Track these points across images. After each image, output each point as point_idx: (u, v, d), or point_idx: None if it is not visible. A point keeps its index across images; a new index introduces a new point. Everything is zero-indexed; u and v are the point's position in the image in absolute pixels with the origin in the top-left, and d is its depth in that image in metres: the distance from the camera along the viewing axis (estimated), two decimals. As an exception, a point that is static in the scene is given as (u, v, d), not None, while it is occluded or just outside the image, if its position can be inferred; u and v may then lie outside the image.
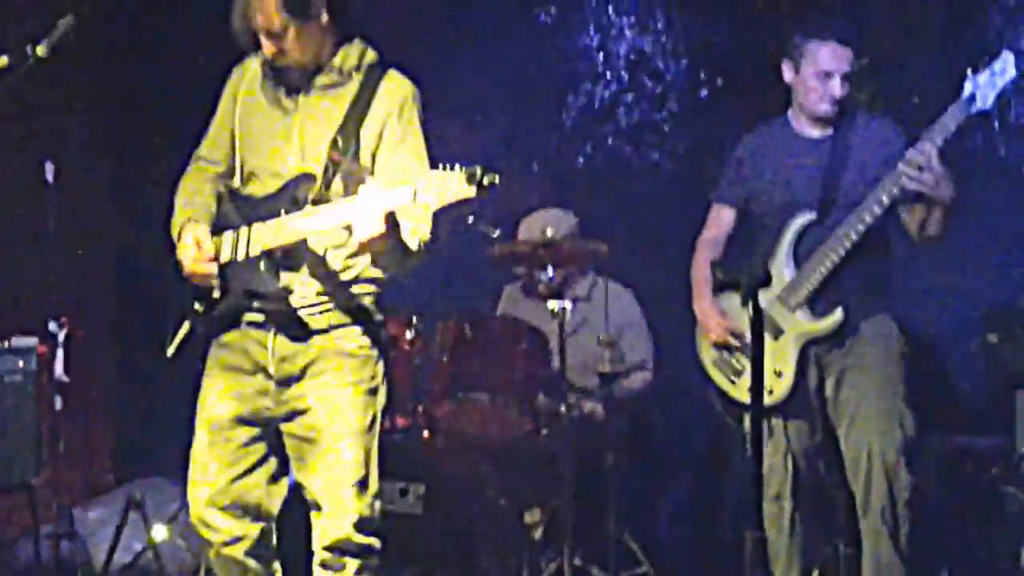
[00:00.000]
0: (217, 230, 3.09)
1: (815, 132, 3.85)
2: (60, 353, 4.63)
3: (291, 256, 3.00)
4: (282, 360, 3.05)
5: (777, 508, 3.80)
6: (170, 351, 3.11)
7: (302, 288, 3.02)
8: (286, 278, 3.00)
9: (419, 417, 4.48)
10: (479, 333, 4.43)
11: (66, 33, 3.04)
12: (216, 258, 3.02)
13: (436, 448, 4.47)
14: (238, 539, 3.11)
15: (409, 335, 4.48)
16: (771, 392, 3.74)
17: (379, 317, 3.11)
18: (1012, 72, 3.53)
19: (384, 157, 3.01)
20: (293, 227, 2.94)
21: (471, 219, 2.80)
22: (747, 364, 3.76)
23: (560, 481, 4.14)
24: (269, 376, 3.06)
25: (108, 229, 5.96)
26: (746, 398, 3.73)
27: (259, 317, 3.06)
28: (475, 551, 4.20)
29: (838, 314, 3.70)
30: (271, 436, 3.11)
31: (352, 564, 3.03)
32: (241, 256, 3.01)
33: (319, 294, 3.03)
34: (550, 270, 4.37)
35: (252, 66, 3.17)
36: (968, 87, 3.55)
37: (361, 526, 3.02)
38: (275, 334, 3.04)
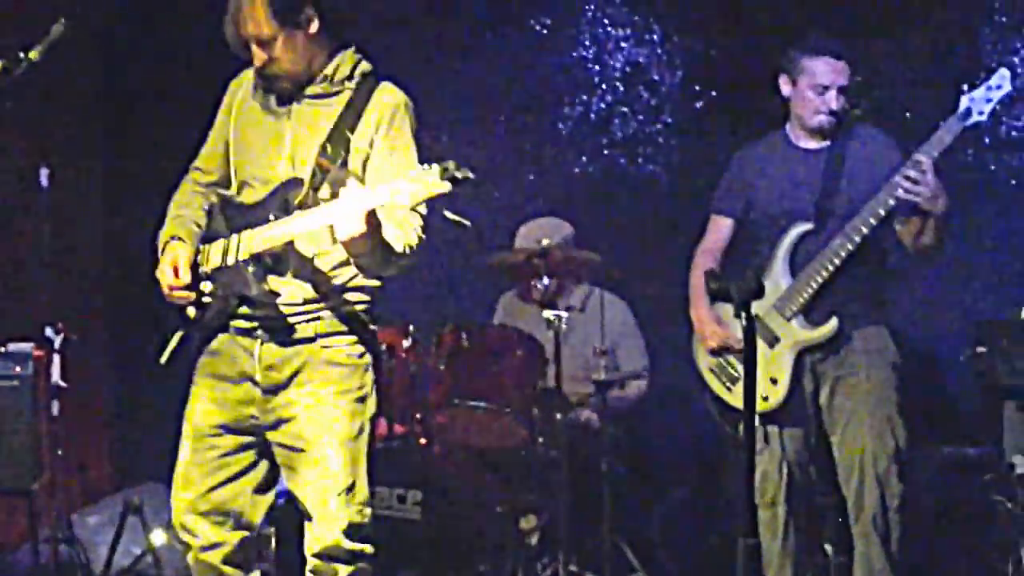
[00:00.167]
0: (209, 239, 3.12)
1: (812, 144, 3.90)
2: (57, 359, 4.61)
3: (278, 260, 3.02)
4: (268, 368, 3.05)
5: (771, 514, 3.84)
6: (163, 359, 3.12)
7: (289, 292, 3.02)
8: (273, 282, 3.01)
9: (416, 425, 4.49)
10: (476, 342, 4.45)
11: (59, 38, 3.04)
12: (193, 284, 3.04)
13: (433, 455, 4.48)
14: (217, 545, 3.10)
15: (406, 344, 4.48)
16: (767, 399, 3.80)
17: (372, 327, 3.12)
18: (1008, 87, 3.61)
19: (374, 165, 3.02)
20: (279, 230, 2.96)
21: (445, 212, 2.81)
22: (743, 371, 3.81)
23: (556, 488, 4.17)
24: (256, 384, 3.06)
25: (104, 235, 5.97)
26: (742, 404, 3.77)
27: (247, 324, 3.06)
28: (472, 556, 4.19)
29: (833, 323, 3.76)
30: (260, 445, 3.11)
31: (344, 571, 3.03)
32: (231, 262, 3.03)
33: (308, 300, 3.03)
34: (545, 279, 4.40)
35: (248, 78, 3.19)
36: (964, 102, 3.63)
37: (350, 533, 3.02)
38: (262, 342, 3.05)
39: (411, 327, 4.53)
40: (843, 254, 3.72)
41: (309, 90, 3.09)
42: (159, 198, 3.31)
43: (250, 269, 3.00)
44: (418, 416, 4.50)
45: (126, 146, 5.97)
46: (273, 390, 3.06)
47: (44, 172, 4.64)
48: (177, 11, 5.64)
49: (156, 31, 5.78)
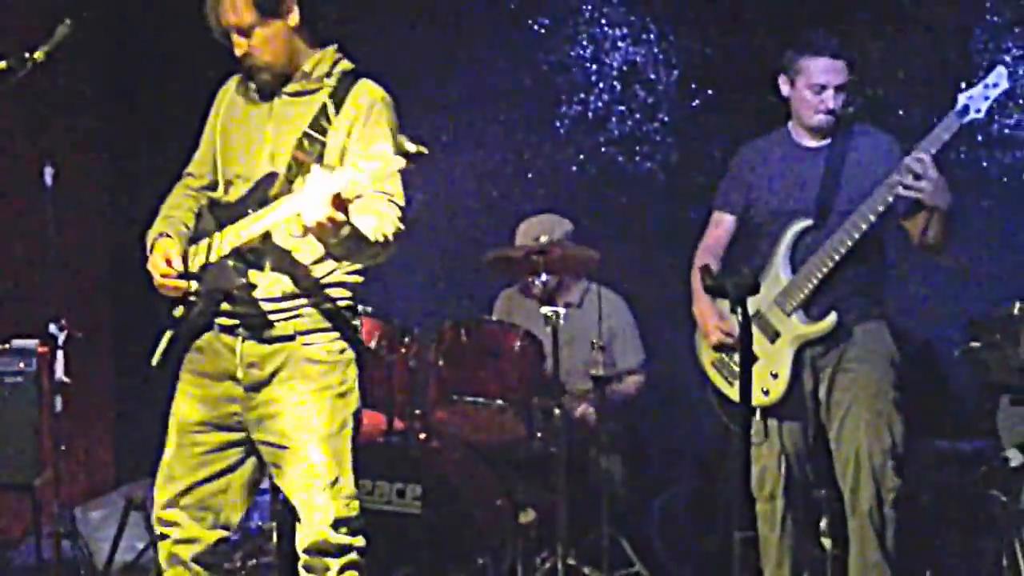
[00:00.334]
0: (197, 240, 3.11)
1: (813, 142, 3.88)
2: (60, 355, 4.58)
3: (257, 253, 3.00)
4: (250, 365, 3.04)
5: (770, 508, 3.82)
6: (155, 360, 3.11)
7: (268, 286, 3.01)
8: (254, 277, 3.00)
9: (416, 420, 4.47)
10: (475, 338, 4.42)
11: (64, 38, 3.03)
12: (185, 274, 3.03)
13: (433, 450, 4.45)
14: (193, 540, 3.09)
15: (407, 340, 4.45)
16: (767, 393, 3.78)
17: (355, 322, 3.10)
18: (1005, 85, 3.61)
19: (351, 158, 2.98)
20: (254, 225, 2.95)
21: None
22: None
23: (554, 483, 4.14)
24: (238, 382, 3.05)
25: (107, 232, 5.94)
26: (744, 399, 3.75)
27: (229, 322, 3.05)
28: (471, 550, 4.15)
29: (832, 318, 3.74)
30: (247, 443, 3.10)
31: (334, 564, 3.02)
32: (213, 259, 3.02)
33: (289, 295, 3.01)
34: (544, 275, 4.36)
35: (234, 83, 3.20)
36: (962, 99, 3.62)
37: (338, 526, 3.01)
38: (244, 340, 3.03)
39: (411, 324, 4.50)
40: (842, 250, 3.70)
41: (289, 87, 3.08)
42: (163, 197, 3.30)
43: (231, 264, 2.99)
44: (418, 412, 4.48)
45: (130, 145, 5.97)
46: (255, 387, 3.04)
47: (48, 171, 4.62)
48: (181, 11, 5.61)
49: (160, 31, 5.76)
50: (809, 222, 3.80)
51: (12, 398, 4.55)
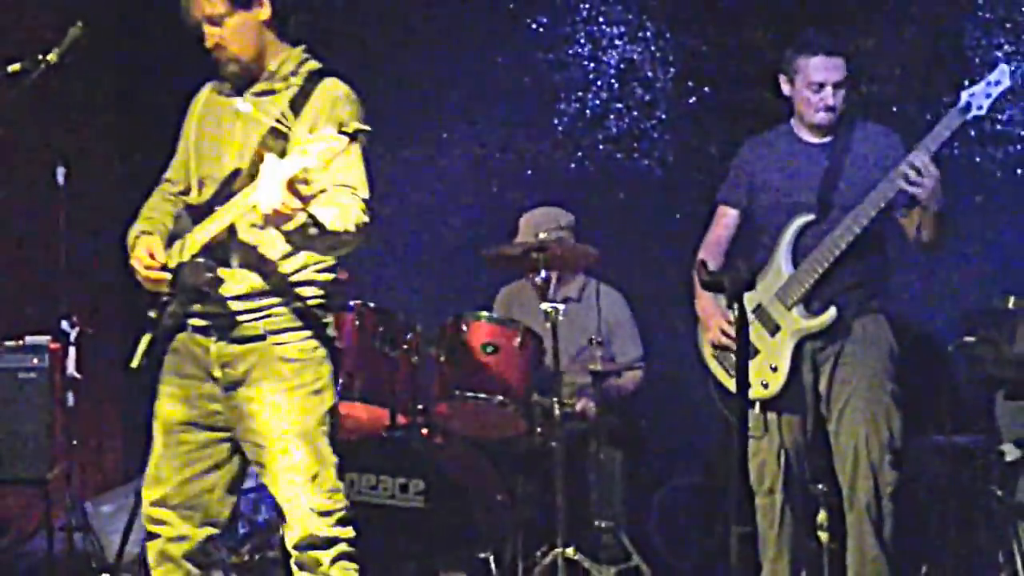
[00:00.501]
0: (172, 242, 3.07)
1: (815, 139, 3.83)
2: (72, 351, 4.54)
3: (224, 249, 2.97)
4: (224, 365, 3.00)
5: (769, 502, 3.75)
6: (134, 363, 3.05)
7: (238, 284, 2.97)
8: (222, 272, 2.96)
9: (419, 415, 4.41)
10: (476, 333, 4.34)
11: (76, 40, 3.03)
12: (166, 267, 3.00)
13: (436, 446, 4.40)
14: (183, 538, 3.06)
15: (408, 335, 4.38)
16: (766, 386, 3.72)
17: (326, 320, 3.05)
18: (1007, 83, 3.58)
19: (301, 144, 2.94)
20: (217, 220, 2.93)
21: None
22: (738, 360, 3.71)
23: (554, 477, 4.08)
24: (215, 381, 3.02)
25: (118, 230, 5.85)
26: (744, 392, 3.68)
27: (201, 322, 3.01)
28: (473, 544, 4.10)
29: (831, 312, 3.68)
30: (232, 440, 3.06)
31: (325, 556, 2.97)
32: (185, 257, 2.99)
33: (258, 292, 2.97)
34: (543, 272, 4.26)
35: (208, 89, 3.19)
36: (964, 96, 3.59)
37: (325, 519, 2.97)
38: (216, 340, 3.00)
39: (413, 319, 4.43)
40: (843, 245, 3.65)
41: (255, 87, 3.06)
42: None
43: (200, 261, 2.95)
44: (420, 407, 4.42)
45: (141, 146, 5.90)
46: (231, 387, 3.01)
47: (61, 171, 4.60)
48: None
49: (173, 34, 5.67)
50: (811, 217, 3.74)
51: (25, 393, 4.53)
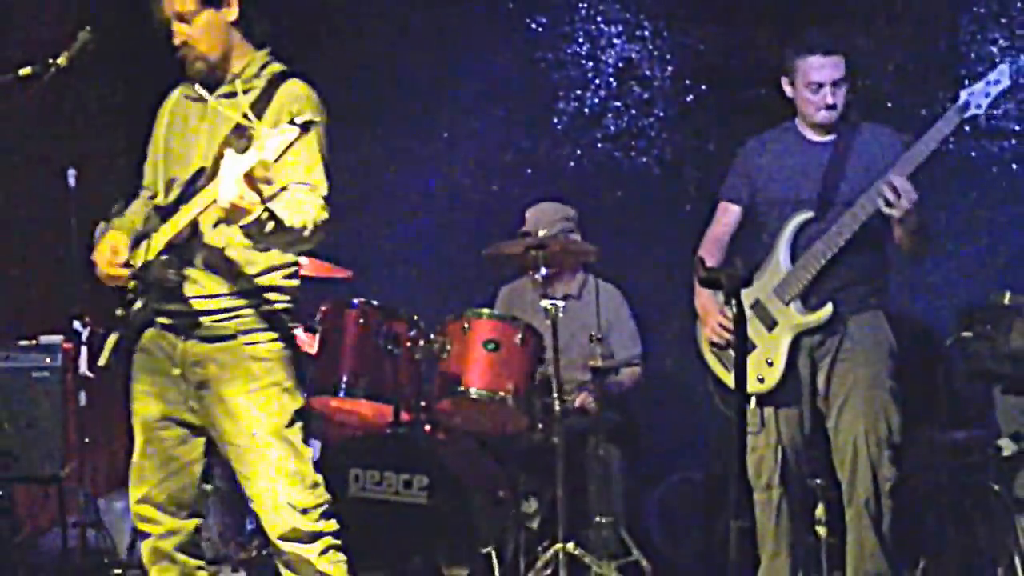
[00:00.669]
0: (139, 243, 3.04)
1: (818, 137, 3.75)
2: (84, 350, 4.48)
3: (189, 249, 2.94)
4: (193, 364, 2.97)
5: (767, 497, 3.68)
6: (102, 361, 3.03)
7: (207, 284, 2.94)
8: (187, 271, 2.93)
9: (422, 412, 4.34)
10: (477, 331, 4.24)
11: (86, 44, 3.03)
12: (129, 263, 2.97)
13: (439, 442, 4.34)
14: (173, 533, 3.03)
15: (411, 333, 4.30)
16: (763, 381, 3.65)
17: (291, 324, 3.03)
18: (1006, 82, 3.53)
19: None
20: (179, 217, 2.90)
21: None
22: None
23: (555, 473, 4.00)
24: (185, 380, 2.99)
25: (128, 232, 5.82)
26: (742, 386, 3.61)
27: (168, 321, 2.98)
28: (475, 539, 4.04)
29: (828, 308, 3.62)
30: (208, 437, 3.04)
31: (313, 550, 2.94)
32: (152, 255, 2.94)
33: (223, 294, 2.94)
34: (543, 269, 4.17)
35: (176, 94, 3.17)
36: (963, 95, 3.54)
37: (308, 514, 2.94)
38: (184, 338, 2.96)
39: (416, 317, 4.35)
40: (840, 242, 3.59)
41: (221, 89, 3.04)
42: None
43: (163, 259, 2.91)
44: (423, 404, 4.34)
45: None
46: (201, 386, 2.98)
47: (72, 173, 4.56)
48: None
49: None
50: (810, 214, 3.67)
51: (38, 392, 4.51)
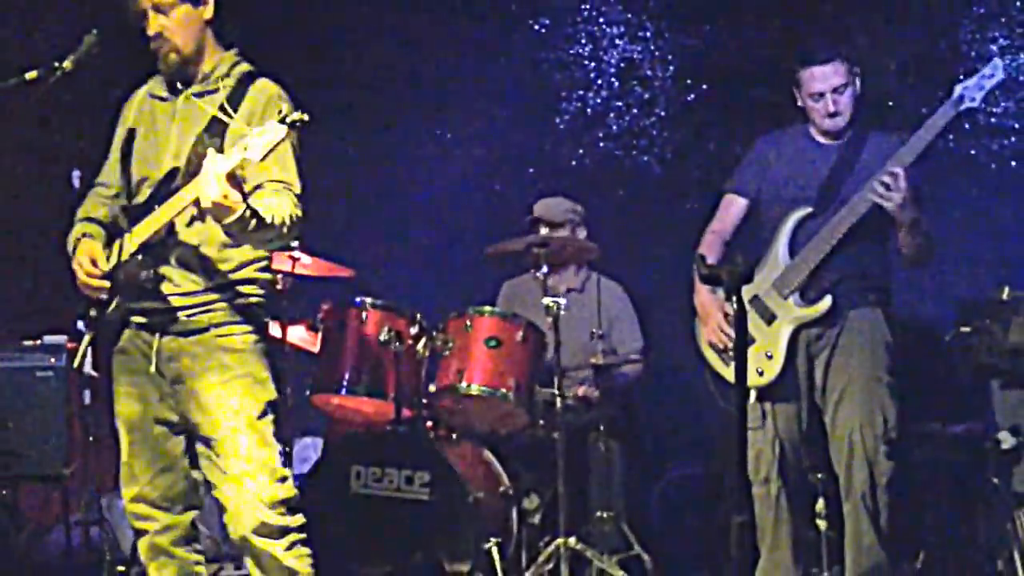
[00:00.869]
0: (110, 244, 3.07)
1: (828, 141, 3.82)
2: (89, 349, 4.54)
3: (163, 247, 2.97)
4: (169, 360, 3.00)
5: (765, 491, 3.72)
6: (76, 362, 3.09)
7: (181, 281, 2.98)
8: (161, 269, 2.97)
9: (423, 409, 4.37)
10: (479, 328, 4.28)
11: (91, 48, 3.06)
12: (108, 274, 2.99)
13: (440, 438, 4.36)
14: (170, 528, 3.07)
15: (413, 330, 4.34)
16: (762, 374, 3.69)
17: (266, 319, 3.08)
18: (1000, 76, 3.59)
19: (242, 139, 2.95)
20: (155, 216, 2.93)
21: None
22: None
23: (556, 469, 4.04)
24: (162, 376, 3.02)
25: (132, 232, 5.86)
26: (741, 380, 3.65)
27: (143, 319, 3.02)
28: (477, 535, 4.04)
29: (827, 301, 3.67)
30: (188, 433, 3.07)
31: (279, 545, 2.97)
32: (124, 257, 2.97)
33: (200, 290, 2.98)
34: (544, 267, 4.22)
35: (142, 92, 3.20)
36: (958, 89, 3.59)
37: (275, 508, 2.97)
38: (160, 335, 3.00)
39: (418, 314, 4.39)
40: (836, 238, 3.65)
41: (192, 89, 3.09)
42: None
43: (138, 259, 2.95)
44: (424, 401, 4.38)
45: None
46: (177, 381, 3.01)
47: (76, 175, 4.57)
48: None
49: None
50: (808, 210, 3.73)
51: (43, 392, 4.55)
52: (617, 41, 5.51)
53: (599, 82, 5.54)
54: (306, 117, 2.70)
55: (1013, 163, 4.97)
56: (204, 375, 2.97)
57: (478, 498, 4.04)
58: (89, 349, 4.55)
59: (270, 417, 3.01)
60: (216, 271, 2.99)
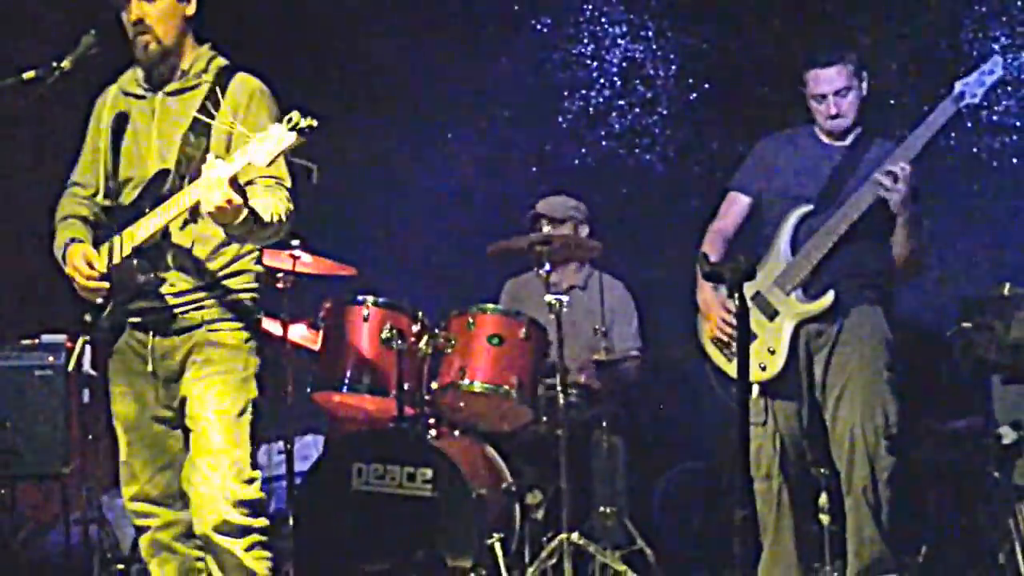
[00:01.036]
0: (97, 244, 3.10)
1: (833, 141, 3.90)
2: (88, 348, 4.57)
3: (158, 249, 3.00)
4: (163, 357, 3.06)
5: (767, 486, 3.78)
6: (71, 366, 3.13)
7: (174, 282, 3.02)
8: (157, 272, 3.01)
9: (426, 407, 4.42)
10: (482, 326, 4.35)
11: (89, 48, 3.06)
12: (106, 275, 3.02)
13: (443, 435, 4.40)
14: (171, 524, 3.12)
15: (415, 328, 4.40)
16: (764, 369, 3.75)
17: (258, 315, 3.12)
18: (1000, 72, 3.67)
19: (243, 142, 2.90)
20: (153, 220, 2.96)
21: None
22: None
23: (559, 465, 4.10)
24: (156, 375, 3.07)
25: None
26: (742, 376, 3.72)
27: (139, 319, 3.06)
28: (480, 531, 4.09)
29: (829, 296, 3.73)
30: (184, 429, 3.11)
31: (238, 545, 2.99)
32: (116, 260, 3.01)
33: (193, 289, 3.03)
34: (547, 265, 4.29)
35: (113, 90, 3.21)
36: (958, 85, 3.67)
37: (238, 508, 2.99)
38: (155, 335, 3.05)
39: (420, 312, 4.45)
40: (840, 232, 3.72)
41: (169, 87, 3.11)
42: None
43: (134, 263, 2.99)
44: (427, 398, 4.43)
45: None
46: (170, 378, 3.06)
47: None
48: (204, 19, 5.63)
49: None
50: (810, 207, 3.80)
51: (42, 391, 4.58)
52: (619, 40, 5.55)
53: (601, 81, 5.58)
54: (315, 123, 2.69)
55: (1014, 160, 5.03)
56: (190, 368, 3.02)
57: (481, 494, 4.07)
58: (88, 349, 4.67)
59: (248, 417, 3.03)
60: (208, 270, 3.04)
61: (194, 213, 2.90)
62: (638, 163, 5.56)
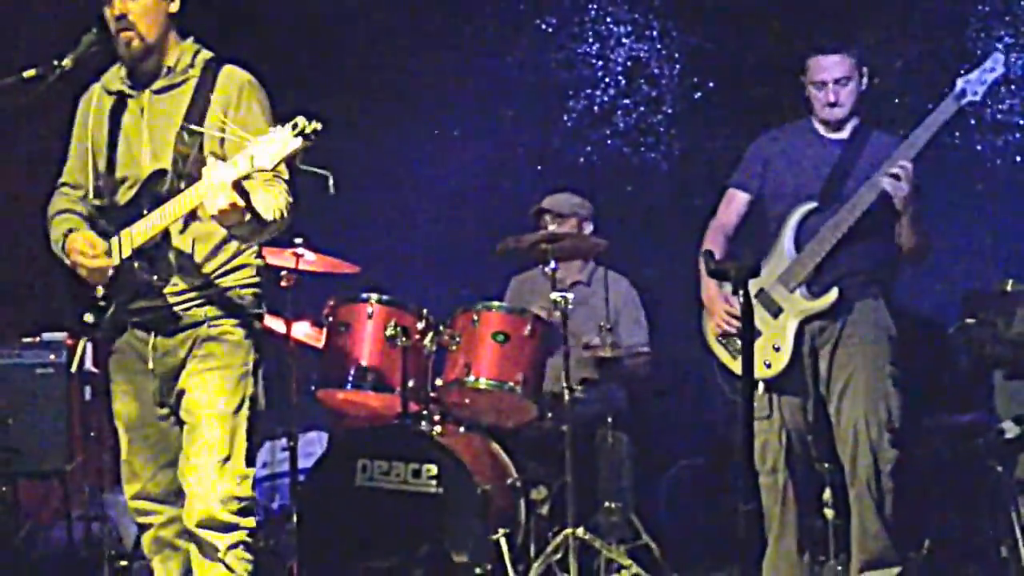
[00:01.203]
0: None
1: (830, 134, 3.96)
2: (89, 346, 4.61)
3: (160, 250, 3.03)
4: (164, 355, 3.10)
5: (772, 481, 3.86)
6: (73, 367, 3.23)
7: (175, 281, 3.06)
8: (158, 273, 3.03)
9: (431, 404, 4.47)
10: (487, 323, 4.42)
11: (90, 46, 3.09)
12: (108, 252, 3.02)
13: (448, 432, 4.43)
14: (174, 520, 3.15)
15: (420, 325, 4.46)
16: (769, 366, 3.82)
17: (259, 310, 3.16)
18: (1001, 70, 3.73)
19: (231, 142, 2.96)
20: (153, 221, 2.98)
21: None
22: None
23: (564, 461, 4.16)
24: (155, 374, 3.11)
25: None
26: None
27: (140, 318, 3.10)
28: (485, 526, 4.14)
29: (833, 293, 3.79)
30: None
31: (222, 541, 3.02)
32: (116, 261, 3.02)
33: (193, 288, 3.07)
34: (552, 263, 4.38)
35: (97, 91, 3.21)
36: (960, 83, 3.73)
37: (227, 504, 3.02)
38: (156, 334, 3.09)
39: (424, 310, 4.51)
40: (844, 229, 3.77)
41: (155, 84, 3.11)
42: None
43: (136, 264, 3.02)
44: (432, 395, 4.48)
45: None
46: (171, 375, 3.10)
47: None
48: (203, 19, 5.68)
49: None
50: (813, 204, 3.86)
51: (43, 388, 4.65)
52: (624, 40, 5.59)
53: (606, 80, 5.62)
54: (319, 126, 2.68)
55: (1017, 158, 5.09)
56: (190, 363, 3.06)
57: (486, 490, 4.12)
58: (89, 346, 4.73)
59: (246, 412, 3.07)
60: (209, 268, 3.08)
61: (193, 213, 2.94)
62: (643, 162, 5.61)
